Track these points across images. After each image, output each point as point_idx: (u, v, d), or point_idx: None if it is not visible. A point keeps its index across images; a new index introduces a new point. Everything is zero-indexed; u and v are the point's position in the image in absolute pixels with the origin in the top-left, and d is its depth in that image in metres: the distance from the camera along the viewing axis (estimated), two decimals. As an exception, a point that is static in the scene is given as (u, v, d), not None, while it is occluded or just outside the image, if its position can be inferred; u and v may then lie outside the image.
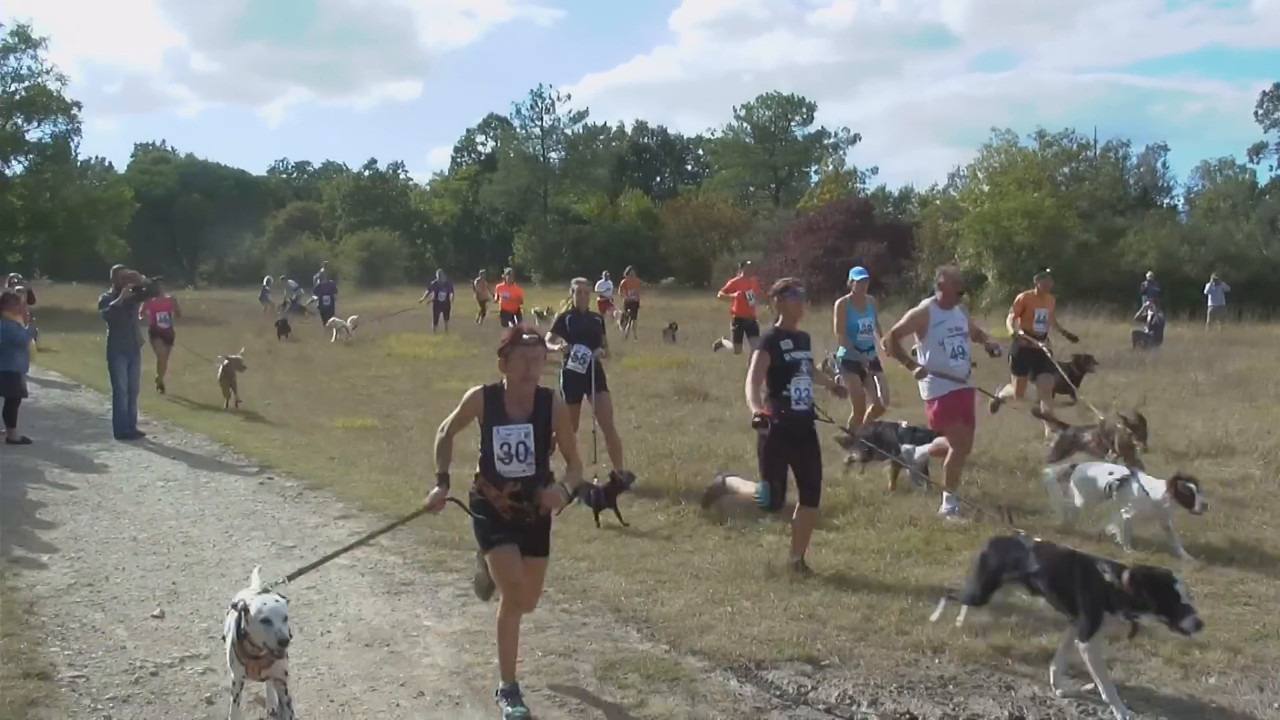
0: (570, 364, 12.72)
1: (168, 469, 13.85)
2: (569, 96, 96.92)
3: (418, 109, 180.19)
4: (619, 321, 34.48)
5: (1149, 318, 30.17)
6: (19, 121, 57.14)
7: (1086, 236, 46.82)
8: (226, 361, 18.96)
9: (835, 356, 14.28)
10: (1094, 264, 45.19)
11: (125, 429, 16.02)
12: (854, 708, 6.31)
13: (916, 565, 9.04)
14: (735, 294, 24.83)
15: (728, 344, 25.15)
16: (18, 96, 56.34)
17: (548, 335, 11.67)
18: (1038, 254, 44.99)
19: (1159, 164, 71.06)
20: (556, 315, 14.37)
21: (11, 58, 56.03)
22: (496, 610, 7.90)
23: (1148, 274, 35.95)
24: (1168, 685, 6.56)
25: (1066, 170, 53.91)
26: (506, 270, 29.62)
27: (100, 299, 16.62)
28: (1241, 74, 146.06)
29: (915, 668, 6.83)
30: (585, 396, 12.68)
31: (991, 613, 7.60)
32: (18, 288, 18.11)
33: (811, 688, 6.57)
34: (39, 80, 56.85)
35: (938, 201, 60.73)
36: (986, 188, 50.12)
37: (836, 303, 14.16)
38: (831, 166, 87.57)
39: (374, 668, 6.94)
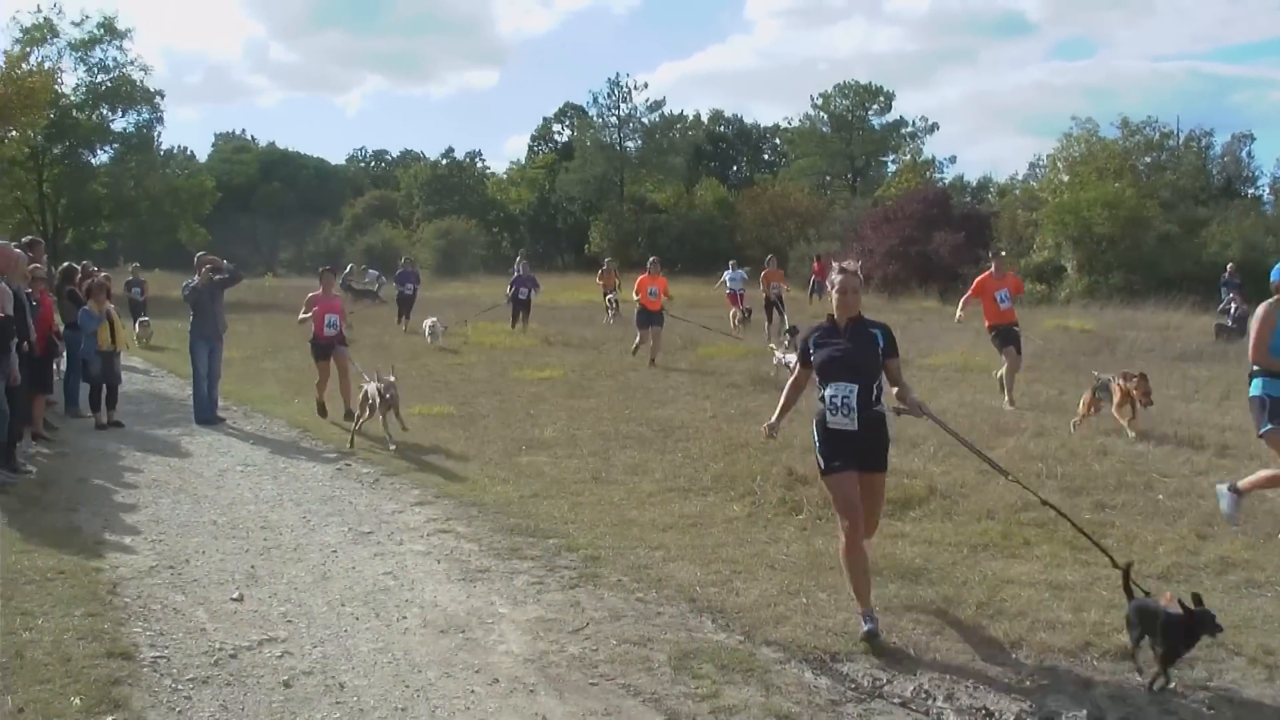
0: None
1: (247, 454, 14.03)
2: (645, 85, 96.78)
3: (494, 98, 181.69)
4: (740, 321, 31.17)
5: (1232, 310, 29.65)
6: (105, 111, 58.20)
7: (1168, 227, 46.03)
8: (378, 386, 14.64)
9: None
10: (1176, 255, 44.45)
11: (206, 414, 16.25)
12: (929, 702, 6.26)
13: (994, 559, 8.94)
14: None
15: None
16: (104, 87, 57.40)
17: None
18: (1118, 245, 44.41)
19: (1244, 153, 69.59)
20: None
21: (98, 49, 57.07)
22: (568, 598, 7.99)
23: (1228, 266, 35.30)
24: (1251, 685, 6.44)
25: (1148, 160, 53.02)
26: (651, 260, 24.51)
27: (184, 285, 16.87)
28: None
29: (992, 663, 6.76)
30: None
31: (1070, 610, 7.53)
32: (103, 275, 18.34)
33: (887, 681, 6.52)
34: (124, 71, 57.84)
35: (1016, 191, 60.00)
36: (1066, 178, 49.47)
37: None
38: (909, 156, 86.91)
39: (449, 654, 6.97)
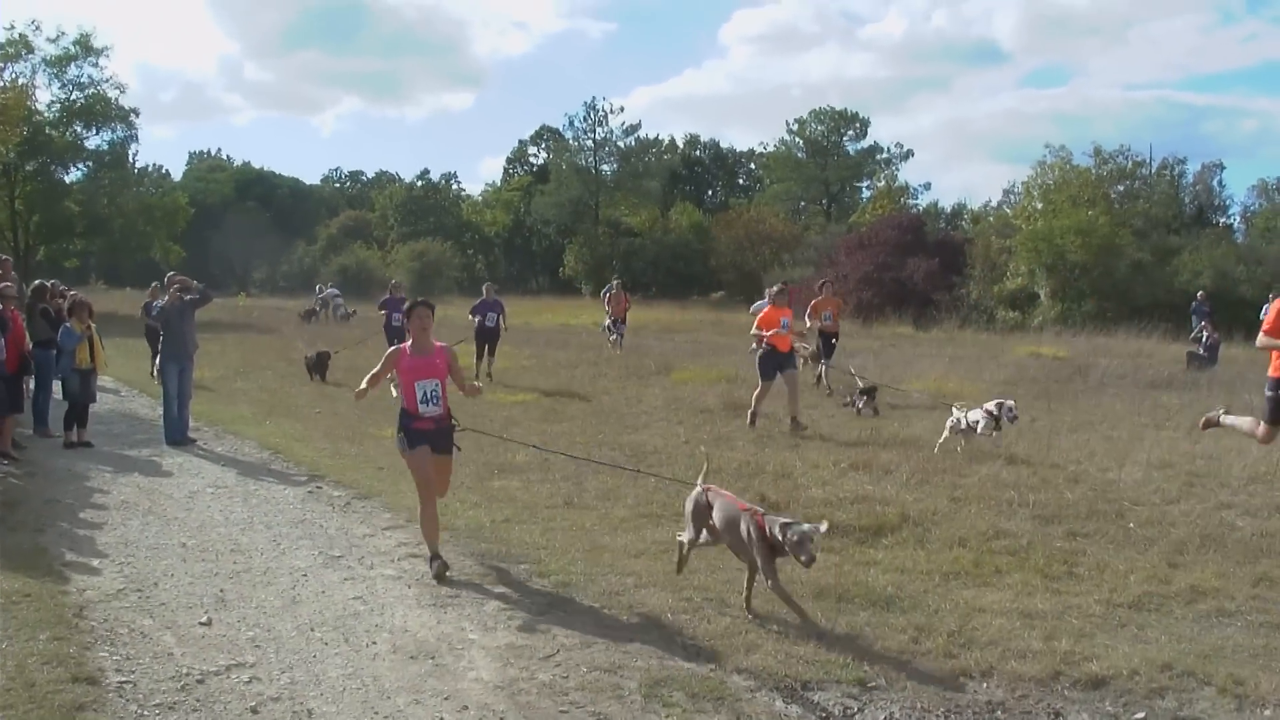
0: None
1: (218, 476, 13.94)
2: (622, 109, 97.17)
3: (470, 119, 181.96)
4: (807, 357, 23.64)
5: (1204, 339, 29.84)
6: (79, 128, 58.00)
7: (1141, 255, 46.45)
8: None
9: None
10: (1148, 283, 44.82)
11: (177, 435, 16.14)
12: (901, 731, 6.25)
13: (965, 587, 8.94)
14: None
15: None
16: (78, 104, 57.18)
17: None
18: (1090, 272, 44.76)
19: (1215, 182, 70.38)
20: None
21: (73, 66, 56.88)
22: (539, 624, 7.97)
23: (1198, 293, 35.56)
24: (1221, 715, 6.45)
25: (1121, 188, 53.39)
26: (778, 289, 19.45)
27: (153, 305, 16.78)
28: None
29: (963, 692, 6.76)
30: None
31: (1041, 639, 7.54)
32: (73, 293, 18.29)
33: (858, 710, 6.51)
34: (99, 88, 57.71)
35: (990, 218, 60.40)
36: (1040, 205, 49.78)
37: None
38: (884, 182, 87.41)
39: (419, 680, 6.93)
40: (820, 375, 22.92)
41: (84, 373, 15.83)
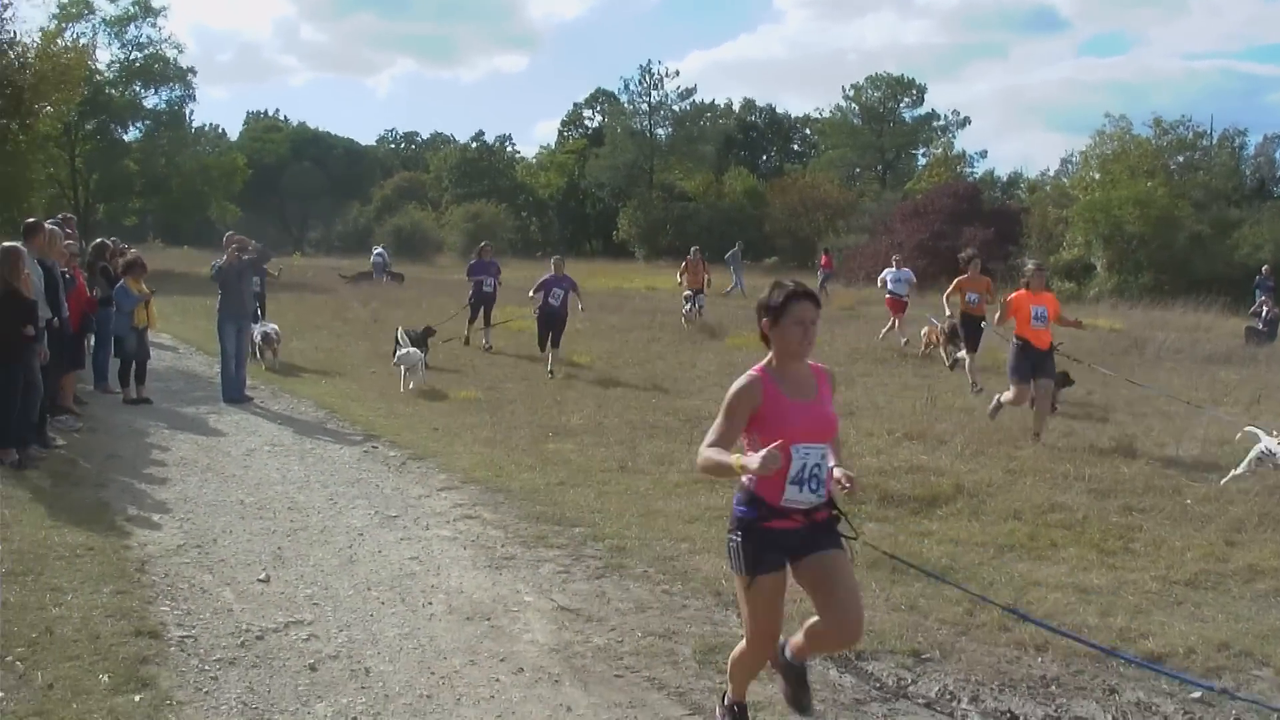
0: None
1: (275, 434, 14.07)
2: (677, 73, 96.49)
3: (524, 82, 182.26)
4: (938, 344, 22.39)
5: (1264, 313, 29.48)
6: (137, 88, 58.39)
7: (1200, 228, 45.81)
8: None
9: None
10: (1207, 256, 44.23)
11: (234, 393, 16.31)
12: (954, 703, 6.24)
13: (1020, 560, 8.91)
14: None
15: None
16: (137, 64, 57.53)
17: None
18: (1148, 244, 44.25)
19: (1277, 154, 69.16)
20: None
21: (132, 26, 57.22)
22: (594, 588, 8.00)
23: (1263, 268, 35.08)
24: (1279, 697, 6.41)
25: (1181, 159, 52.69)
26: (1034, 267, 15.54)
27: (212, 264, 16.94)
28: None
29: (1017, 665, 6.74)
30: None
31: (1097, 614, 7.50)
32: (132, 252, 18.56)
33: (911, 681, 6.52)
34: (157, 48, 58.07)
35: (1047, 188, 59.71)
36: (1098, 175, 49.22)
37: None
38: (940, 149, 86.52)
39: (474, 641, 6.99)
40: (963, 365, 19.43)
41: (140, 330, 16.11)
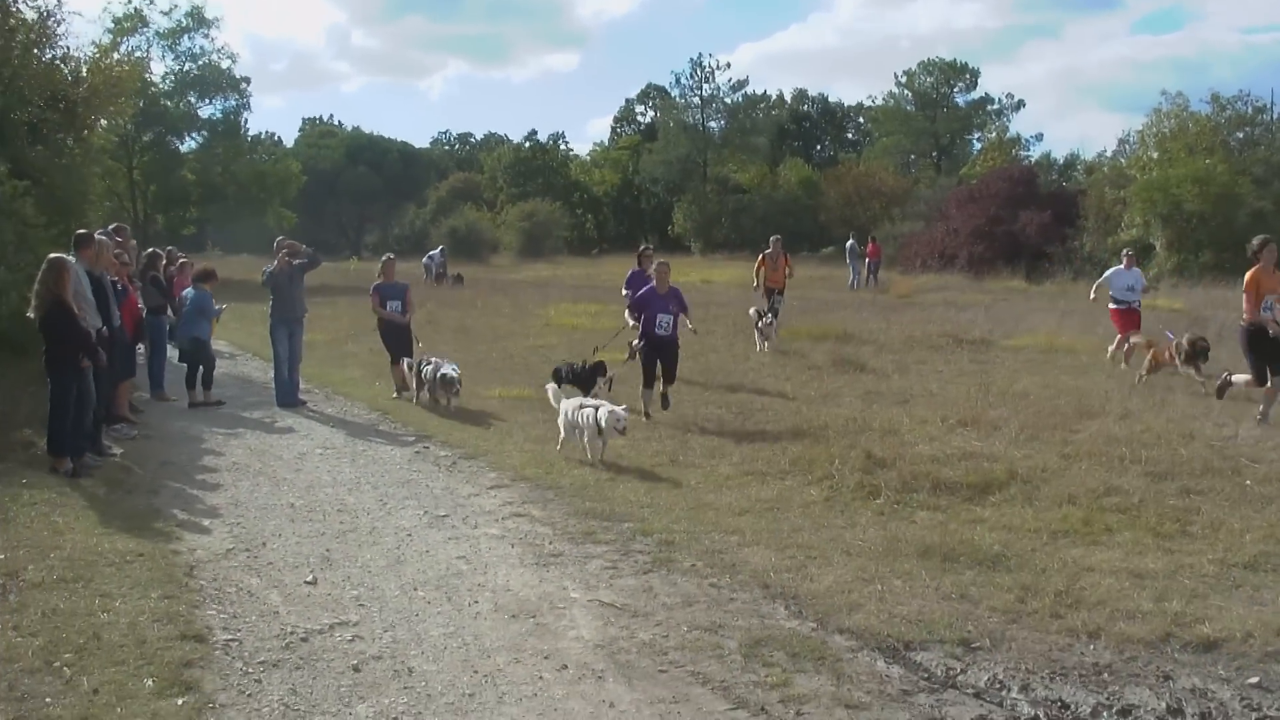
0: None
1: (327, 437, 14.13)
2: (728, 65, 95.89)
3: (576, 80, 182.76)
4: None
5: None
6: (192, 99, 58.97)
7: (1261, 204, 44.94)
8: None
9: None
10: (1269, 233, 43.29)
11: (287, 397, 16.40)
12: (1004, 693, 6.14)
13: (1074, 546, 8.77)
14: None
15: None
16: (191, 75, 58.12)
17: None
18: (1208, 222, 43.49)
19: (1340, 127, 67.98)
20: None
21: (186, 38, 57.80)
22: (641, 583, 7.95)
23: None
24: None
25: (1240, 135, 51.74)
26: None
27: (264, 270, 17.07)
28: None
29: (1069, 653, 6.63)
30: None
31: (1151, 599, 7.37)
32: (181, 260, 18.89)
33: (961, 670, 6.42)
34: (211, 59, 58.62)
35: (1105, 169, 58.93)
36: (1155, 154, 48.51)
37: None
38: (994, 133, 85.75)
39: (519, 639, 6.96)
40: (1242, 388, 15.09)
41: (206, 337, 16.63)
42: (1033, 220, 48.30)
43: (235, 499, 10.72)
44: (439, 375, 15.98)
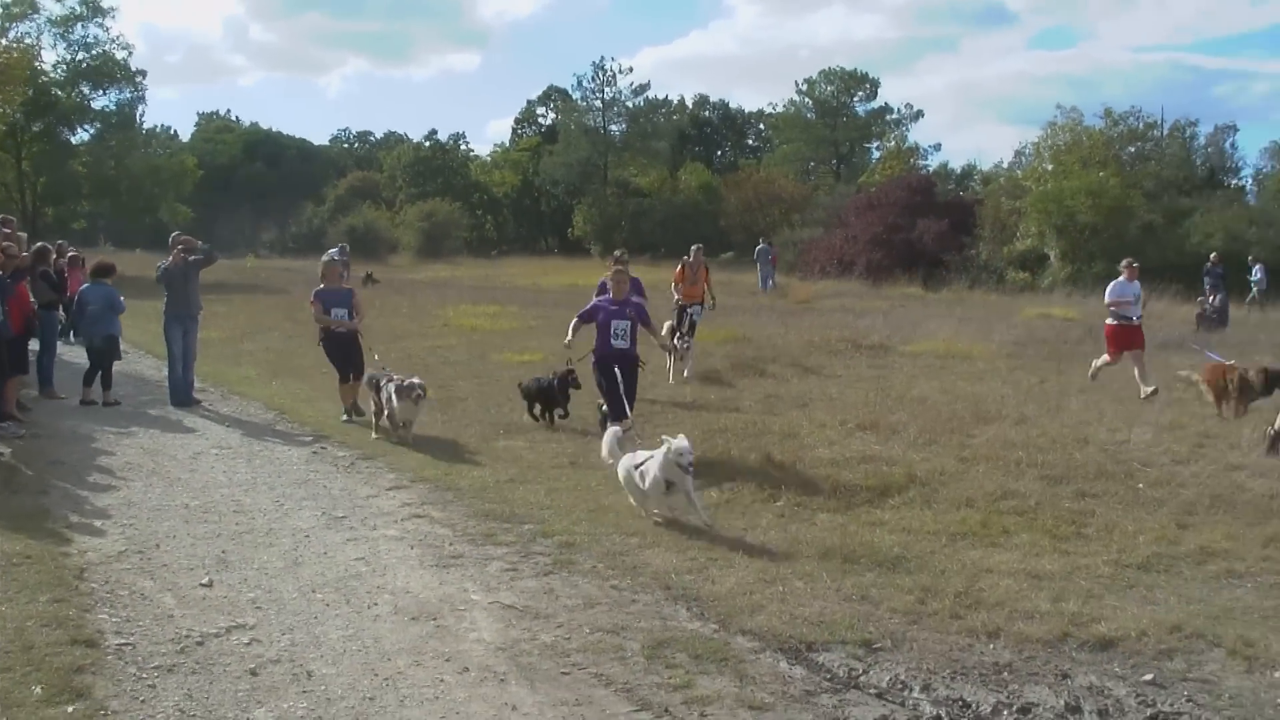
0: None
1: (222, 436, 13.89)
2: (630, 69, 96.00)
3: (477, 80, 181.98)
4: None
5: (1212, 300, 29.79)
6: (85, 90, 57.80)
7: (1152, 217, 46.07)
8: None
9: None
10: (1159, 245, 44.42)
11: (182, 396, 16.09)
12: (906, 693, 6.18)
13: (973, 548, 8.87)
14: None
15: None
16: (85, 65, 56.94)
17: None
18: (1101, 233, 44.40)
19: (1227, 144, 69.57)
20: None
21: (79, 26, 56.63)
22: (542, 585, 7.89)
23: (1212, 255, 35.36)
24: (1231, 677, 6.37)
25: (1132, 150, 52.95)
26: None
27: (158, 265, 16.73)
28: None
29: (969, 653, 6.69)
30: None
31: (1049, 600, 7.47)
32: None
33: (863, 671, 6.45)
34: (105, 49, 57.46)
35: (1001, 179, 59.87)
36: (1050, 166, 49.38)
37: None
38: (893, 142, 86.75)
39: (420, 642, 6.87)
40: None
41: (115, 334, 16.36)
42: (930, 228, 48.86)
43: (128, 499, 10.47)
44: (402, 383, 13.40)
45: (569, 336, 13.17)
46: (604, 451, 10.69)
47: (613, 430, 10.84)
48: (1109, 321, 17.82)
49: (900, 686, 6.24)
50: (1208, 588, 7.92)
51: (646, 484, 9.56)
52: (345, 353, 15.26)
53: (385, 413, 13.76)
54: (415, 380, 13.53)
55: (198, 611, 7.36)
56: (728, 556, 8.60)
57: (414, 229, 78.34)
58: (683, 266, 20.57)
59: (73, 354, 19.70)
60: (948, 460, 11.67)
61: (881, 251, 48.87)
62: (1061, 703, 6.04)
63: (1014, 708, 5.97)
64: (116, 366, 16.60)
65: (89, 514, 9.93)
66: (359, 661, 6.55)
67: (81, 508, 10.16)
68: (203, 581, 7.99)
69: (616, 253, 19.15)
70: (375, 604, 7.58)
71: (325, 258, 17.30)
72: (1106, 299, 18.03)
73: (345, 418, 14.97)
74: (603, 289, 15.26)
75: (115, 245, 64.43)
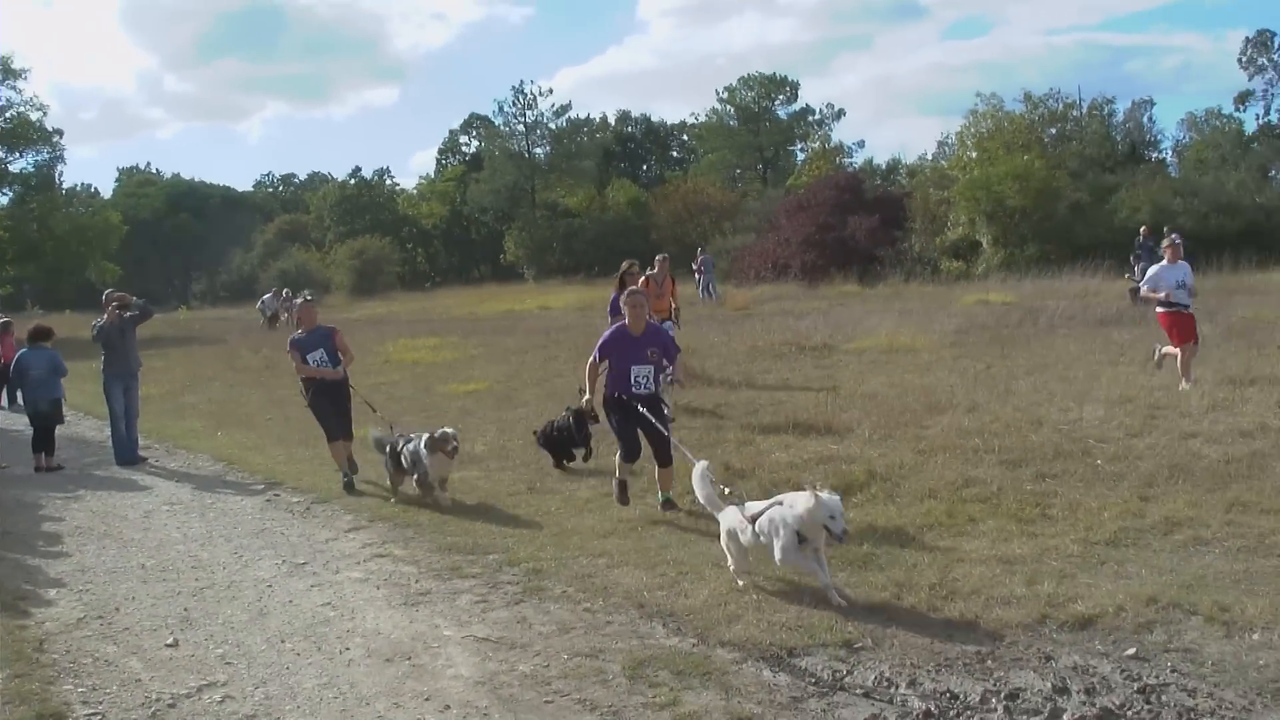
0: None
1: (172, 492, 13.66)
2: (550, 91, 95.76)
3: (397, 114, 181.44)
4: None
5: (1135, 274, 30.17)
6: (2, 154, 56.99)
7: (1079, 196, 46.63)
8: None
9: None
10: (1088, 223, 44.98)
11: (127, 454, 15.83)
12: (892, 690, 6.13)
13: (941, 539, 8.87)
14: None
15: None
16: (0, 129, 56.13)
17: None
18: (1031, 216, 44.92)
19: (1145, 118, 70.58)
20: None
21: (-9, 89, 55.82)
22: (514, 615, 7.79)
23: (1142, 229, 35.79)
24: (1211, 644, 6.38)
25: (1054, 131, 53.60)
26: None
27: (93, 324, 16.47)
28: (1214, 25, 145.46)
29: (951, 644, 6.66)
30: None
31: (1023, 584, 7.46)
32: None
33: (847, 672, 6.40)
34: (20, 111, 56.70)
35: (927, 171, 60.38)
36: (975, 153, 49.83)
37: None
38: (818, 143, 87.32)
39: (397, 683, 6.75)
40: None
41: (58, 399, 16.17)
42: (861, 225, 49.17)
43: (81, 565, 10.23)
44: (434, 435, 11.79)
45: (587, 389, 11.08)
46: (699, 495, 8.95)
47: (701, 467, 8.95)
48: (1159, 310, 15.88)
49: (886, 684, 6.20)
50: (1177, 557, 7.95)
51: (781, 539, 7.71)
52: (334, 404, 13.56)
53: (413, 476, 11.97)
54: (449, 431, 11.86)
55: (166, 673, 7.18)
56: (697, 569, 8.54)
57: (346, 268, 78.01)
58: (648, 279, 16.97)
59: (8, 420, 19.39)
60: (905, 454, 11.67)
61: (815, 252, 49.11)
62: (1048, 685, 6.01)
63: (1001, 694, 5.94)
64: (58, 430, 16.31)
65: (42, 583, 9.69)
66: (337, 709, 6.41)
67: (34, 577, 9.90)
68: (168, 642, 7.81)
69: (625, 265, 16.19)
70: (347, 648, 7.43)
71: (299, 301, 15.31)
72: (1143, 288, 16.43)
73: (345, 480, 13.08)
74: (615, 308, 14.19)
75: (44, 309, 63.56)
